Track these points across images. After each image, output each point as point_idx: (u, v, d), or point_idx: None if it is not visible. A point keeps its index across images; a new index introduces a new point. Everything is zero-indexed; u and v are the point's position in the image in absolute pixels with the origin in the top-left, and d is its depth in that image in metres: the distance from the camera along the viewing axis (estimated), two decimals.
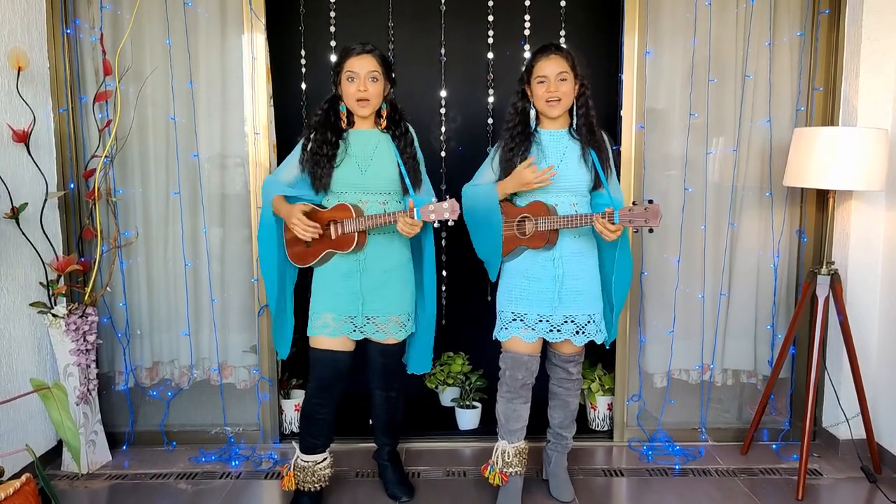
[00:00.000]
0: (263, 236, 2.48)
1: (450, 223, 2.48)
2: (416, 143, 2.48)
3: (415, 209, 2.17)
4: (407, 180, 2.37)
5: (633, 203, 2.13)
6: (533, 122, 2.37)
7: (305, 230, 2.27)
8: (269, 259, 2.48)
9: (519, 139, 2.35)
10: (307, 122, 2.42)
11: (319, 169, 2.32)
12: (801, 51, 2.95)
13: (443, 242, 3.45)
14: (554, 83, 2.27)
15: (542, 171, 2.25)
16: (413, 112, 3.41)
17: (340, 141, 2.36)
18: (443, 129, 3.48)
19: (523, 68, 2.41)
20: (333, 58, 3.33)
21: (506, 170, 2.36)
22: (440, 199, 2.22)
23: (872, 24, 2.78)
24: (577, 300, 2.36)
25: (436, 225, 2.26)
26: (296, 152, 2.41)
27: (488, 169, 2.44)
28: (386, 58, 2.36)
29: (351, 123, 2.41)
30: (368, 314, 2.40)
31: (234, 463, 2.90)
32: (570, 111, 2.37)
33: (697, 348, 3.08)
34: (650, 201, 2.09)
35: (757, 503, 2.58)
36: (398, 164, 2.38)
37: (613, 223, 2.14)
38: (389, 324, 2.43)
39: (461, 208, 2.27)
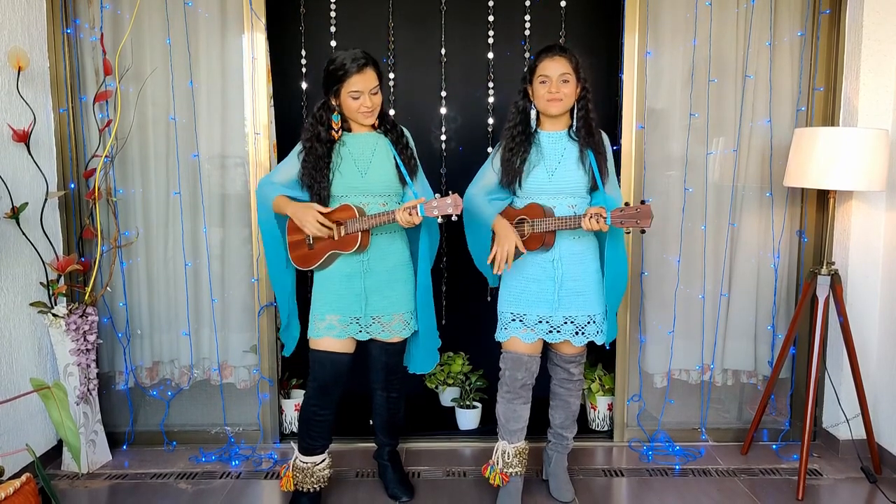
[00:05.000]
0: (269, 241, 2.46)
1: (453, 218, 2.43)
2: (410, 138, 2.47)
3: (418, 206, 2.18)
4: (403, 170, 2.37)
5: (626, 204, 2.13)
6: (533, 123, 2.37)
7: (320, 229, 2.27)
8: (277, 261, 2.47)
9: (519, 139, 2.35)
10: (304, 131, 2.40)
11: (316, 184, 2.32)
12: (802, 51, 2.95)
13: (443, 243, 3.46)
14: (556, 84, 2.26)
15: (508, 261, 2.23)
16: (413, 112, 3.43)
17: (332, 153, 2.35)
18: (443, 129, 3.48)
19: (526, 68, 2.40)
20: None
21: (507, 170, 2.36)
22: (439, 195, 2.22)
23: (873, 25, 2.78)
24: (576, 301, 2.36)
25: (440, 220, 2.24)
26: (292, 158, 2.40)
27: (489, 170, 2.43)
28: (378, 63, 2.34)
29: (346, 128, 2.39)
30: (373, 314, 2.40)
31: (234, 463, 2.90)
32: (571, 113, 2.37)
33: (697, 348, 3.08)
34: (643, 202, 2.08)
35: (757, 503, 2.58)
36: (395, 160, 2.38)
37: (607, 224, 2.14)
38: (394, 322, 2.43)
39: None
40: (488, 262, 2.28)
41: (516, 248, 2.25)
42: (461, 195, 2.26)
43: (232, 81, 2.93)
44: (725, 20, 2.92)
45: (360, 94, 2.28)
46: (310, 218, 2.28)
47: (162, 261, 3.02)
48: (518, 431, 2.44)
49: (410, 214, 2.19)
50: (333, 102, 2.33)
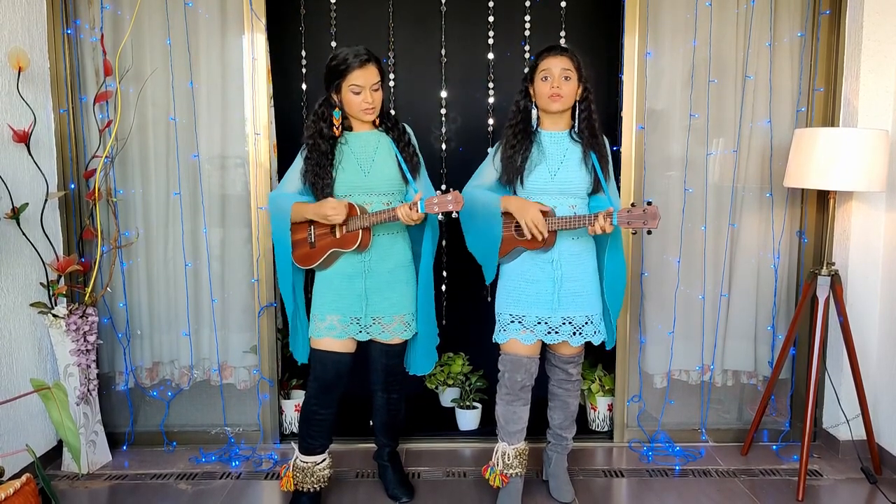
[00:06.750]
0: (284, 257, 2.43)
1: (454, 215, 2.42)
2: (412, 135, 2.48)
3: (419, 202, 2.18)
4: (405, 168, 2.37)
5: (632, 205, 2.13)
6: (535, 122, 2.37)
7: (342, 209, 2.26)
8: (286, 277, 2.45)
9: (520, 137, 2.35)
10: (306, 129, 2.40)
11: (320, 181, 2.32)
12: (802, 52, 2.95)
13: (443, 243, 3.46)
14: (558, 79, 2.27)
15: (541, 227, 2.23)
16: (413, 112, 3.43)
17: (335, 150, 2.35)
18: (443, 129, 3.48)
19: (527, 68, 2.40)
20: None
21: (507, 168, 2.36)
22: (440, 192, 2.22)
23: (873, 25, 2.78)
24: (575, 301, 2.36)
25: (440, 218, 2.23)
26: (296, 165, 2.40)
27: (489, 167, 2.43)
28: (380, 60, 2.34)
29: (348, 126, 2.40)
30: (374, 315, 2.40)
31: (234, 463, 2.90)
32: (573, 114, 2.37)
33: (697, 349, 3.08)
34: (649, 203, 2.09)
35: None
36: (397, 158, 2.38)
37: (613, 225, 2.14)
38: (394, 324, 2.43)
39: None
40: (535, 229, 2.24)
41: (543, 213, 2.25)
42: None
43: (232, 81, 2.93)
44: (725, 21, 2.92)
45: (362, 89, 2.28)
46: (327, 208, 2.26)
47: (162, 261, 3.02)
48: (518, 433, 2.44)
49: (411, 210, 2.19)
50: (335, 98, 2.33)
